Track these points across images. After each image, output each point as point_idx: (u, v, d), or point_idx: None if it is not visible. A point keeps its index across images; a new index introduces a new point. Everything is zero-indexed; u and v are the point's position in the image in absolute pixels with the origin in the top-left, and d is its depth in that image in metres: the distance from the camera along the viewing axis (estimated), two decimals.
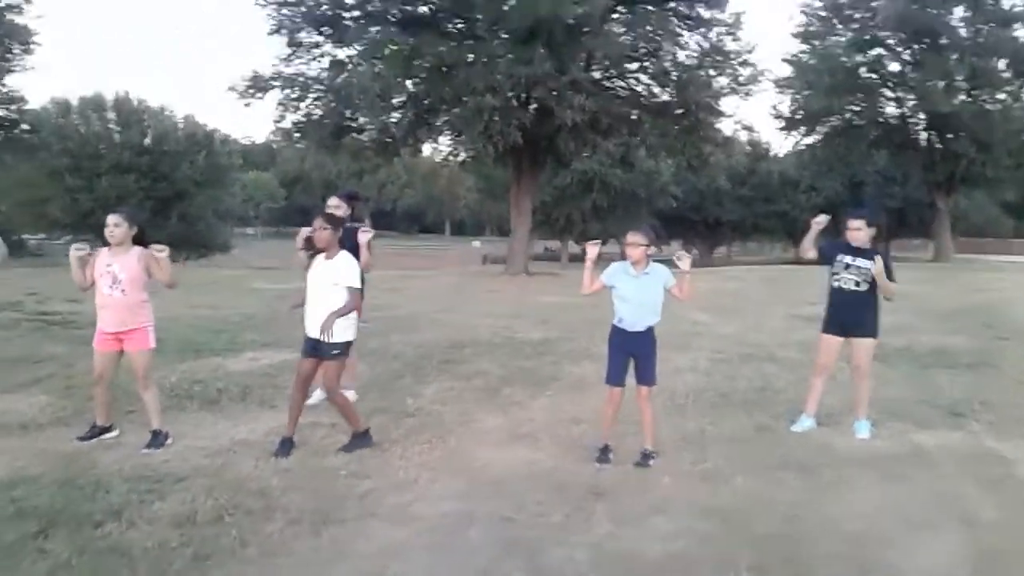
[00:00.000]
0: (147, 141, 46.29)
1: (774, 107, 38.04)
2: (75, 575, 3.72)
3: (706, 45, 23.43)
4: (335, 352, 5.53)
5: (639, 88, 24.84)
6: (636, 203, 50.87)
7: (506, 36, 21.25)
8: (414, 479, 5.09)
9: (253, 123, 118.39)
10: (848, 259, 5.99)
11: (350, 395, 6.35)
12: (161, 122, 47.84)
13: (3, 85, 28.99)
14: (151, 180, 44.36)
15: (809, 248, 6.22)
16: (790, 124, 38.06)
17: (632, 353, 5.44)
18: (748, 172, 59.26)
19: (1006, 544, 4.22)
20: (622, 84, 24.75)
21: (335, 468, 5.27)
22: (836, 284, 6.06)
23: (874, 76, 36.28)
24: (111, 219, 5.71)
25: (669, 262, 5.60)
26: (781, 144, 59.84)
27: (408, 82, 22.22)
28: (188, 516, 4.39)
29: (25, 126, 30.30)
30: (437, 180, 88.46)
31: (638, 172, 46.55)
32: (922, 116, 36.04)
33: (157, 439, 5.78)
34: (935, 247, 39.08)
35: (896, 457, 5.59)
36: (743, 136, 57.52)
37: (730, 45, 23.65)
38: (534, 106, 22.37)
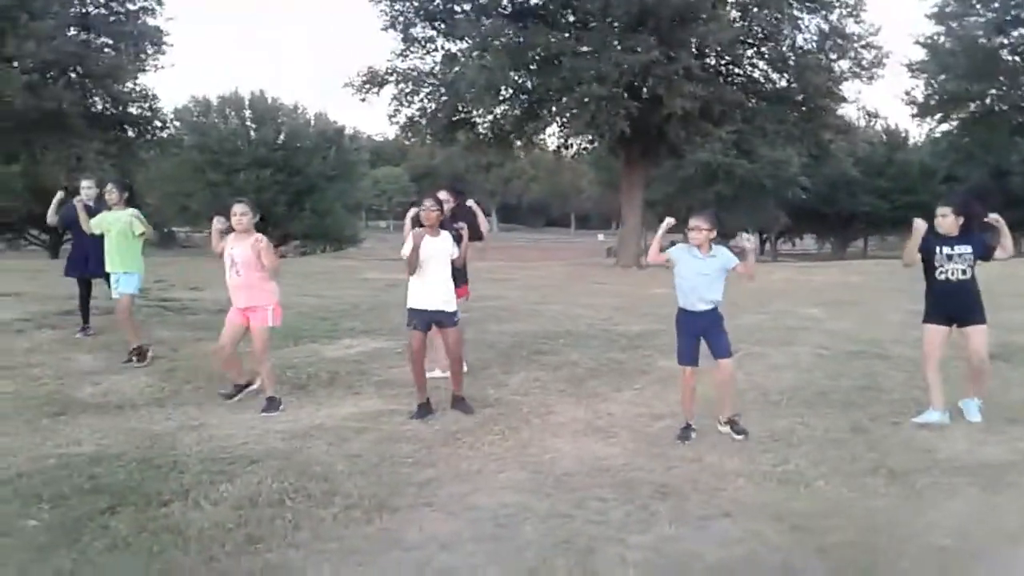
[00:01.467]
0: (281, 138, 48.40)
1: (907, 92, 35.91)
2: (130, 553, 3.81)
3: (826, 27, 22.36)
4: (456, 320, 6.32)
5: (755, 74, 23.98)
6: (762, 194, 49.28)
7: (616, 25, 20.88)
8: (478, 470, 5.01)
9: (385, 120, 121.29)
10: (947, 249, 5.91)
11: (437, 372, 7.05)
12: (294, 119, 49.97)
13: (136, 84, 30.73)
14: (286, 175, 46.34)
15: (915, 256, 6.08)
16: (924, 110, 35.82)
17: (700, 332, 5.64)
18: (885, 162, 56.34)
19: None
20: (737, 70, 23.94)
21: (403, 456, 5.26)
22: (942, 276, 5.96)
23: (1017, 59, 33.67)
24: (238, 208, 6.34)
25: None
26: (920, 132, 56.32)
27: (513, 74, 22.17)
28: (251, 498, 4.46)
29: (157, 123, 32.09)
30: (562, 174, 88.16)
31: (764, 162, 44.98)
32: None
33: (273, 403, 6.37)
34: None
35: (1004, 465, 5.10)
36: (879, 125, 54.99)
37: (852, 27, 22.61)
38: (644, 95, 21.93)
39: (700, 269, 5.56)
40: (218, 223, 6.49)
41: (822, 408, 6.53)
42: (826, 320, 11.46)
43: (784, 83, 23.28)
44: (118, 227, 8.03)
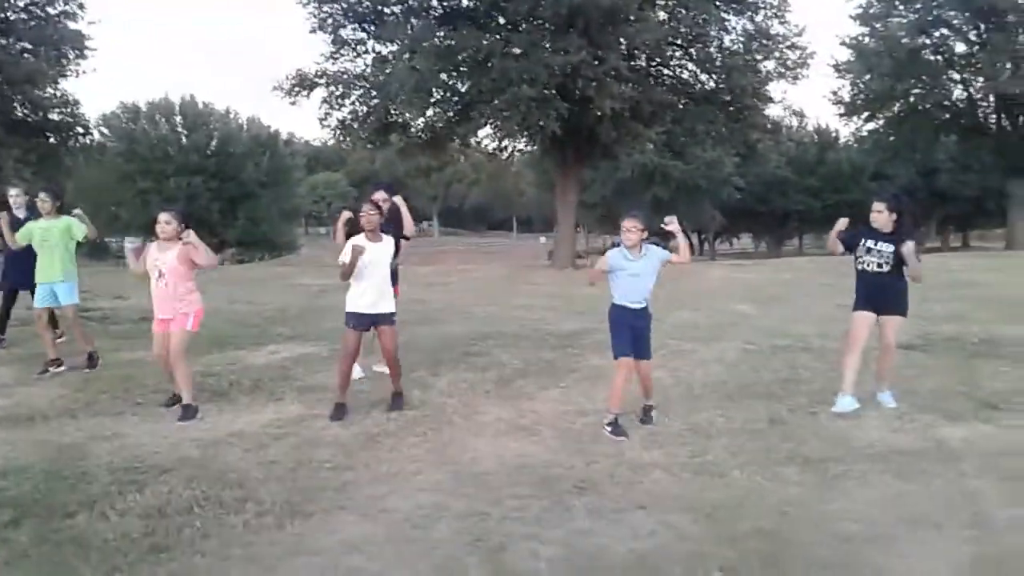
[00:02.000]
0: (213, 143, 47.43)
1: (834, 92, 36.82)
2: (30, 564, 3.69)
3: (752, 28, 22.83)
4: (393, 319, 6.35)
5: (684, 75, 24.32)
6: (699, 195, 49.87)
7: (546, 26, 20.99)
8: (396, 472, 4.95)
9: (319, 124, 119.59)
10: (870, 243, 6.23)
11: (358, 372, 6.96)
12: (226, 124, 48.95)
13: (57, 89, 29.78)
14: (218, 181, 45.42)
15: (835, 245, 6.53)
16: (850, 109, 36.76)
17: (634, 328, 5.74)
18: (816, 161, 57.47)
19: (1018, 546, 3.87)
20: (666, 71, 24.25)
21: (321, 460, 5.17)
22: (860, 267, 6.31)
23: (939, 58, 34.77)
24: (162, 217, 6.30)
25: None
26: (848, 131, 57.58)
27: (444, 76, 22.11)
28: (160, 507, 4.33)
29: (79, 129, 31.19)
30: (504, 177, 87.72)
31: (700, 163, 45.52)
32: (991, 99, 34.46)
33: (189, 411, 6.21)
34: (1007, 235, 37.32)
35: (915, 452, 5.22)
36: (809, 124, 56.16)
37: (777, 28, 23.15)
38: (575, 96, 22.10)
39: (632, 270, 5.69)
40: (129, 243, 6.49)
41: (743, 400, 6.63)
42: (756, 316, 11.68)
43: (712, 84, 23.66)
44: (55, 236, 7.80)
